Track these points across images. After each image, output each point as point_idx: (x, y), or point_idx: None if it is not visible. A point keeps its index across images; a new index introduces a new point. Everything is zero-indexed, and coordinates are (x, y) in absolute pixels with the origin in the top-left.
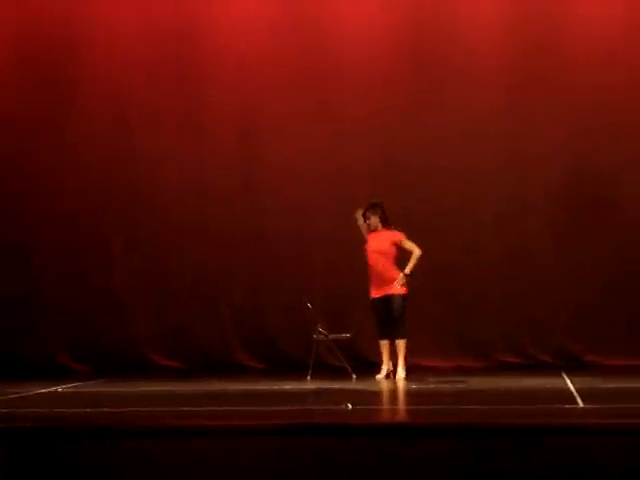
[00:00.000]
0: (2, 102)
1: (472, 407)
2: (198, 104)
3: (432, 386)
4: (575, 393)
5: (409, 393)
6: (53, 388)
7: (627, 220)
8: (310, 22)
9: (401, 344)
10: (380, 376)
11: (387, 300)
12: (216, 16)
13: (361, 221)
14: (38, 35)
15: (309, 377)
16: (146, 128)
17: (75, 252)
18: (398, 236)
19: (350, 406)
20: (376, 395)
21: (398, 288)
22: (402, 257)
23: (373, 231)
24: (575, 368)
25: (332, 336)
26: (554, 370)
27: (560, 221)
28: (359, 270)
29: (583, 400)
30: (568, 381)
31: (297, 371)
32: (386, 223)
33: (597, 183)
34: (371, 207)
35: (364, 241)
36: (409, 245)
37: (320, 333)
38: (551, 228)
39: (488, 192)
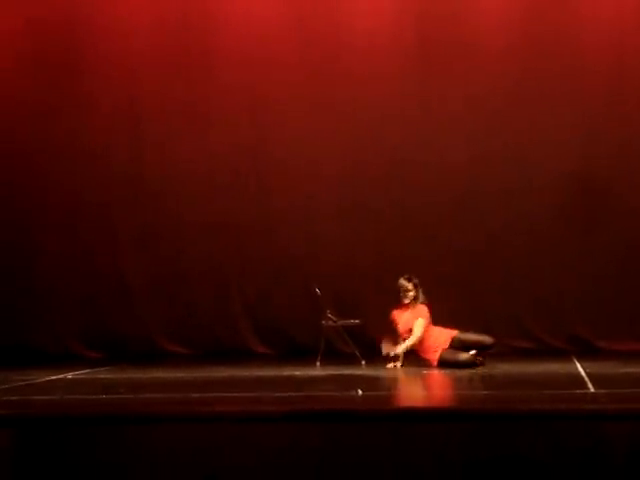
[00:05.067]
0: (8, 96)
1: (483, 392)
2: (207, 94)
3: (443, 371)
4: (586, 378)
5: (419, 379)
6: (62, 375)
7: (638, 206)
8: (318, 10)
9: None
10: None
11: None
12: (224, 6)
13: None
14: (44, 25)
15: (318, 363)
16: (154, 117)
17: (85, 239)
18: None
19: (360, 392)
20: (386, 381)
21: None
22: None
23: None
24: (586, 353)
25: (341, 322)
26: (565, 355)
27: (570, 208)
28: (369, 256)
29: (594, 385)
30: (579, 366)
31: (306, 357)
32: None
33: (607, 169)
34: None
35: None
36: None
37: (329, 319)
38: (561, 214)
39: (496, 180)
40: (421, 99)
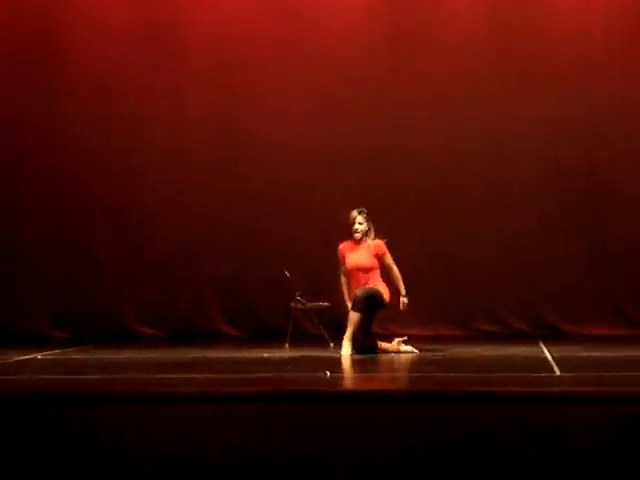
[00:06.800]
0: None
1: (450, 375)
2: (182, 71)
3: (412, 354)
4: (552, 362)
5: (388, 361)
6: (32, 355)
7: (606, 198)
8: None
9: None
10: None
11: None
12: None
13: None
14: (23, 7)
15: (287, 345)
16: (129, 96)
17: (57, 221)
18: (382, 247)
19: (328, 373)
20: (354, 363)
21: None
22: None
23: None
24: (552, 337)
25: (310, 304)
26: (531, 339)
27: (541, 196)
28: (340, 238)
29: (560, 368)
30: (545, 350)
31: (275, 339)
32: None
33: (580, 157)
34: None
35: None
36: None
37: (298, 301)
38: (530, 201)
39: (473, 169)
40: (400, 83)
